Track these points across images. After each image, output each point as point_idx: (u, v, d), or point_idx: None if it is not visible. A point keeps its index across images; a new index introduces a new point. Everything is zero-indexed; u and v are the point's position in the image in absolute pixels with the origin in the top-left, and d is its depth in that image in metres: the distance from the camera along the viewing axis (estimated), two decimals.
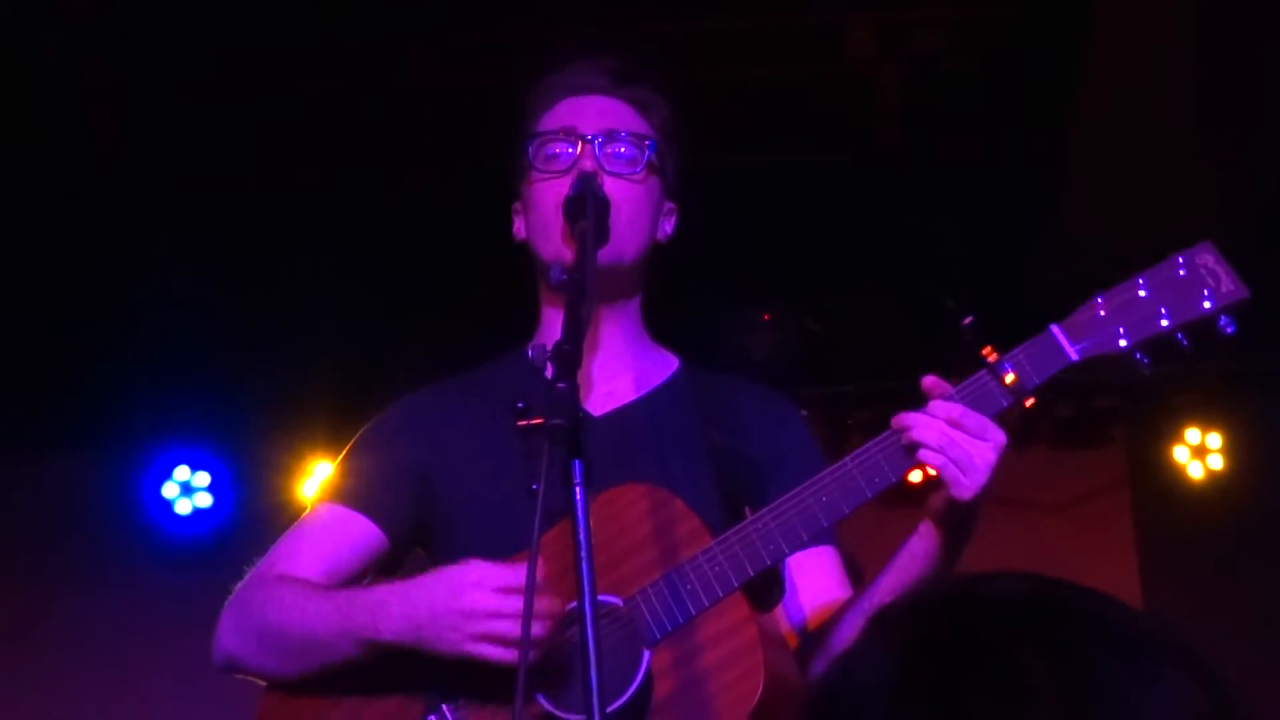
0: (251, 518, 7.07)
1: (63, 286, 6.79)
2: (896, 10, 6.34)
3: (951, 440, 2.71)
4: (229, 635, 3.00)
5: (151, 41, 6.23)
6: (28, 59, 6.17)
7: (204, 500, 7.33)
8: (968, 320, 2.82)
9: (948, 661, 1.31)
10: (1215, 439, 7.47)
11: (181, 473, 7.31)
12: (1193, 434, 7.48)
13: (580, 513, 2.42)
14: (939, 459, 2.72)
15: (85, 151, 6.58)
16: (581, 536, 2.40)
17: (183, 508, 7.32)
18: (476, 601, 2.71)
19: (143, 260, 6.75)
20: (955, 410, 2.74)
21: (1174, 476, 7.52)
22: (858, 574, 3.59)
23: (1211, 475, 7.47)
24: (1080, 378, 7.54)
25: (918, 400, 2.80)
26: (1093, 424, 7.60)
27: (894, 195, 6.78)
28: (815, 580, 3.02)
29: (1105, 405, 7.60)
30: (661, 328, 3.24)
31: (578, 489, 2.43)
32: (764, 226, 6.67)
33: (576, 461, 2.44)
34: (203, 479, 7.32)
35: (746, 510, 2.85)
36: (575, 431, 2.42)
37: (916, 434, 2.74)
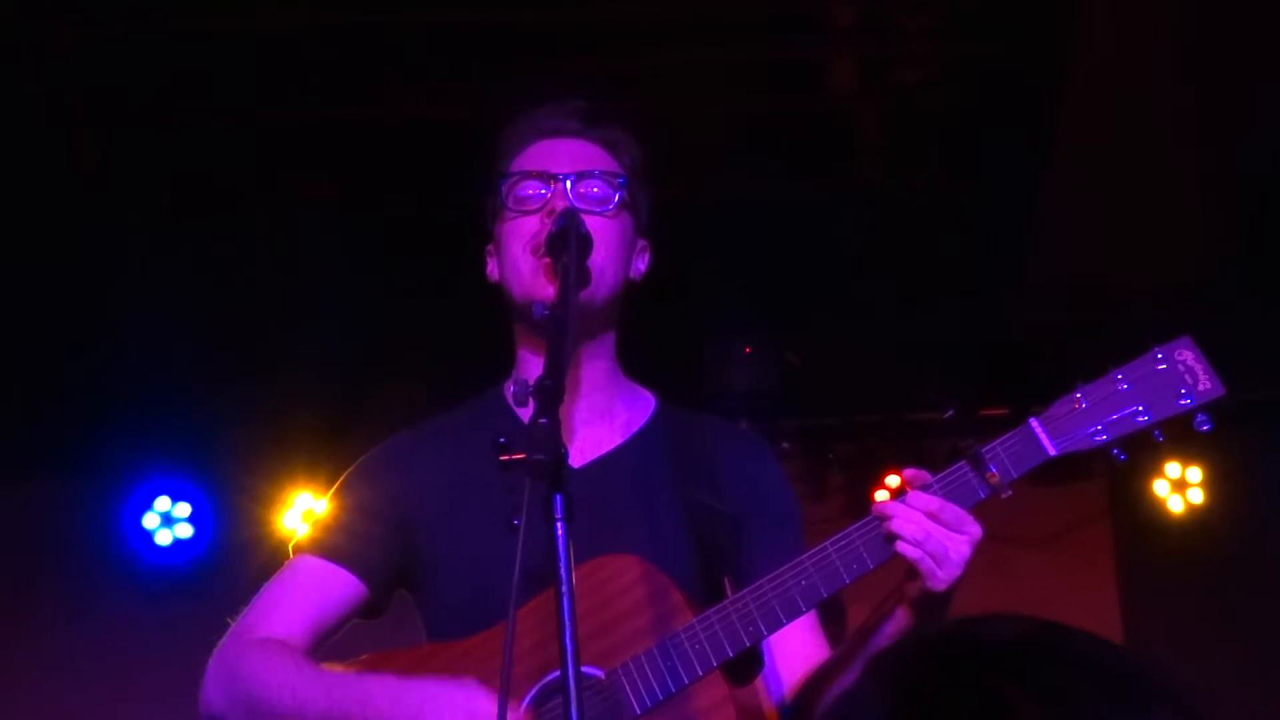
0: (232, 549, 7.05)
1: (44, 315, 6.78)
2: (878, 44, 6.36)
3: (929, 534, 2.76)
4: (216, 695, 3.00)
5: (132, 72, 6.24)
6: (9, 87, 6.17)
7: (184, 531, 7.30)
8: (949, 413, 2.88)
9: (941, 704, 1.31)
10: (1195, 473, 7.48)
11: (162, 503, 7.29)
12: (1173, 468, 7.49)
13: (561, 549, 2.41)
14: (916, 552, 2.77)
15: (67, 182, 6.57)
16: (563, 571, 2.39)
17: (163, 538, 7.30)
18: None
19: (124, 290, 6.74)
20: (934, 504, 2.78)
21: (1154, 510, 7.53)
22: (840, 612, 3.60)
23: (1192, 509, 7.49)
24: None
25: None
26: (1074, 458, 7.60)
27: (875, 228, 6.80)
28: (793, 646, 3.04)
29: None
30: (643, 361, 3.24)
31: (559, 524, 2.42)
32: (745, 259, 6.68)
33: (558, 496, 2.43)
34: (183, 510, 7.30)
35: (725, 582, 2.89)
36: (557, 466, 2.42)
37: (896, 525, 2.78)
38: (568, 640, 2.35)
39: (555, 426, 2.44)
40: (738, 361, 7.06)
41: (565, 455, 2.44)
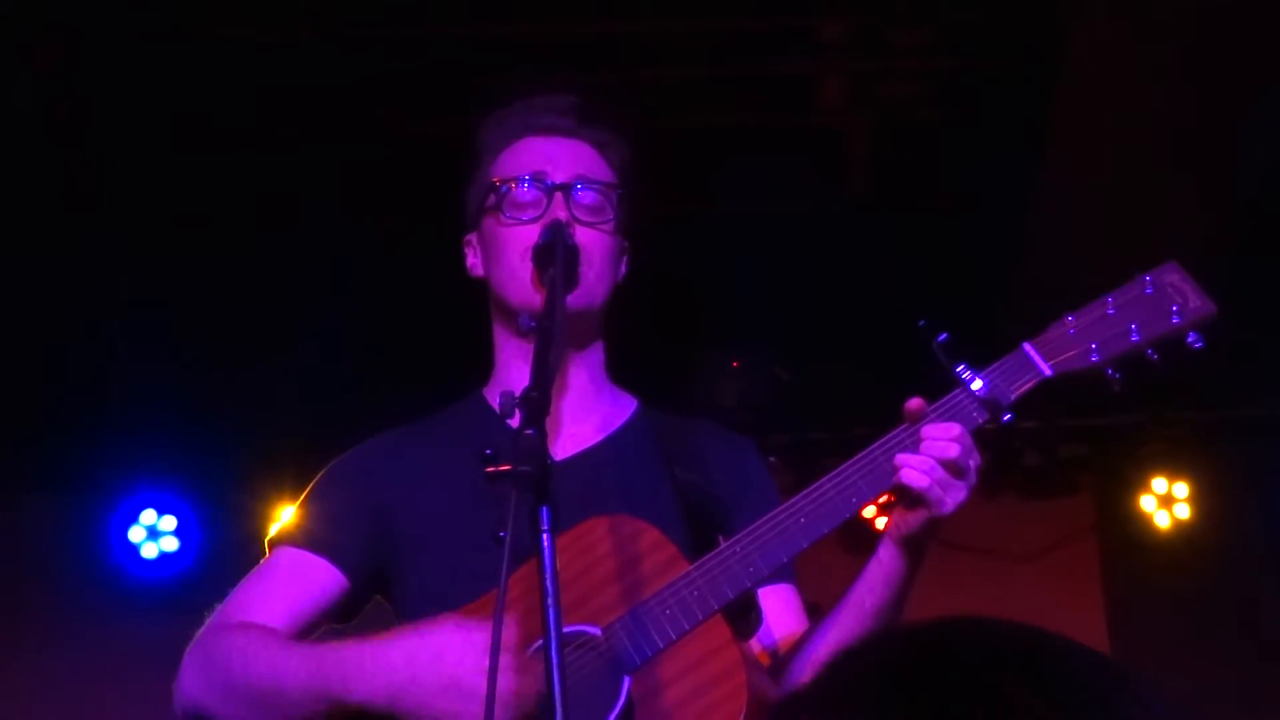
0: (218, 562, 7.05)
1: (30, 329, 6.77)
2: (867, 60, 6.37)
3: (943, 462, 2.76)
4: (193, 683, 2.95)
5: (123, 87, 6.23)
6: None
7: (170, 544, 7.30)
8: (942, 337, 2.86)
9: (931, 693, 1.31)
10: (1182, 488, 7.49)
11: (148, 516, 7.29)
12: (1160, 483, 7.51)
13: (548, 560, 2.41)
14: (925, 480, 2.76)
15: (55, 196, 6.56)
16: (549, 584, 2.39)
17: (149, 551, 7.29)
18: (457, 660, 2.67)
19: (111, 304, 6.73)
20: (955, 429, 2.78)
21: (1141, 525, 7.54)
22: None
23: (1178, 524, 7.50)
24: (1048, 426, 7.59)
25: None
26: (1061, 473, 7.63)
27: (864, 243, 6.80)
28: (779, 615, 3.02)
29: (1073, 454, 7.63)
30: (632, 374, 3.25)
31: (545, 535, 2.41)
32: (734, 274, 6.68)
33: (544, 508, 2.43)
34: (169, 523, 7.29)
35: (720, 538, 2.85)
36: (543, 478, 2.41)
37: (914, 464, 2.77)
38: (554, 653, 2.35)
39: (541, 439, 2.44)
40: (726, 376, 7.06)
41: (551, 467, 2.43)
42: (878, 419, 2.86)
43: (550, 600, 2.38)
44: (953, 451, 2.77)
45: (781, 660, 2.97)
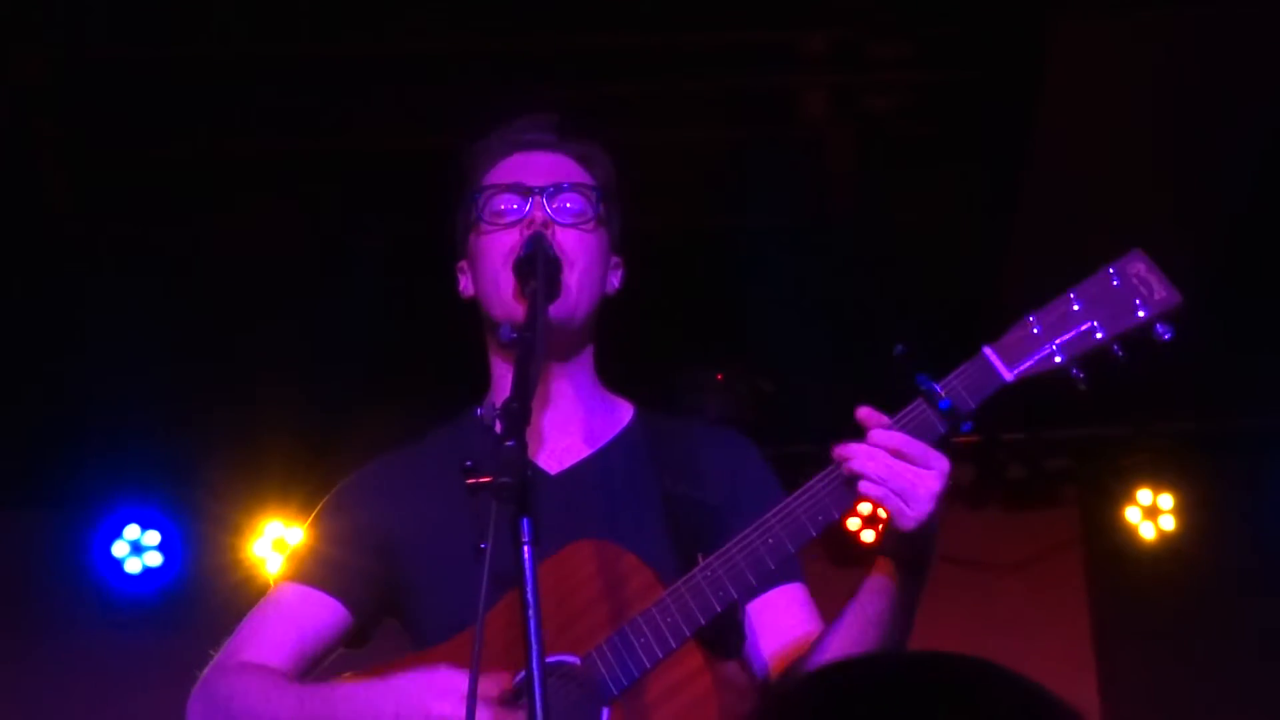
0: (202, 577, 7.04)
1: (12, 343, 6.75)
2: (849, 72, 6.37)
3: (892, 470, 2.70)
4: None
5: (103, 101, 6.22)
6: None
7: (154, 559, 7.28)
8: (900, 349, 2.83)
9: None
10: (1167, 500, 7.49)
11: (132, 531, 7.27)
12: (1144, 495, 7.51)
13: (528, 572, 2.40)
14: (880, 490, 2.71)
15: (36, 210, 6.54)
16: (530, 597, 2.39)
17: (133, 566, 7.27)
18: (442, 710, 2.70)
19: (94, 317, 6.72)
20: (895, 439, 2.73)
21: (1126, 537, 7.54)
22: None
23: (1163, 536, 7.50)
24: (1032, 438, 7.58)
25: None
26: (1045, 485, 7.62)
27: (846, 256, 6.80)
28: (779, 620, 3.02)
29: (1058, 467, 7.63)
30: (616, 388, 3.24)
31: (525, 547, 2.41)
32: (718, 287, 6.68)
33: (525, 520, 2.42)
34: (153, 538, 7.28)
35: (699, 557, 2.84)
36: (523, 489, 2.41)
37: (857, 465, 2.73)
38: (535, 665, 2.34)
39: (522, 450, 2.44)
40: (710, 389, 7.06)
41: (531, 477, 2.43)
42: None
43: (531, 613, 2.38)
44: (896, 463, 2.70)
45: (793, 667, 2.96)
